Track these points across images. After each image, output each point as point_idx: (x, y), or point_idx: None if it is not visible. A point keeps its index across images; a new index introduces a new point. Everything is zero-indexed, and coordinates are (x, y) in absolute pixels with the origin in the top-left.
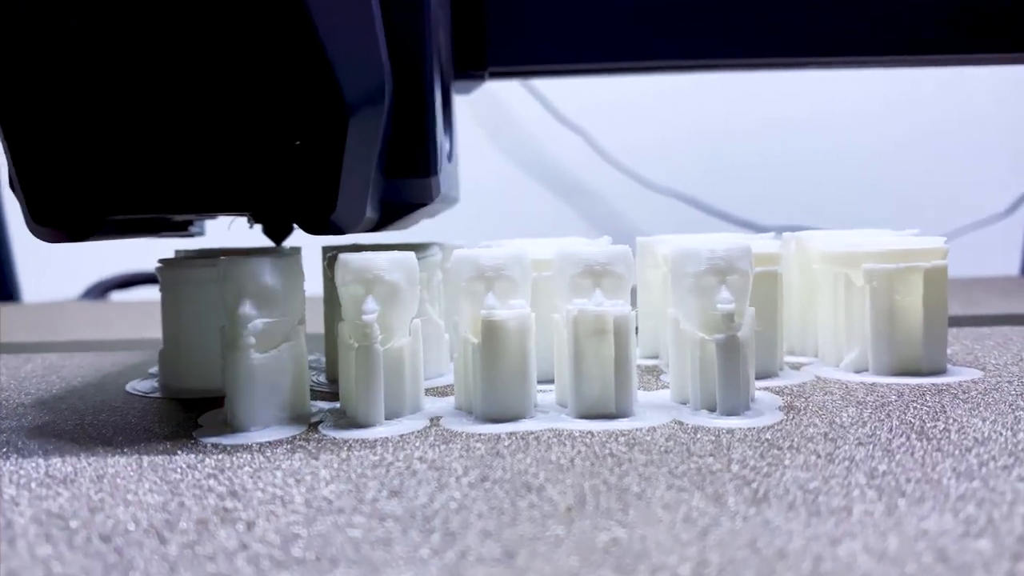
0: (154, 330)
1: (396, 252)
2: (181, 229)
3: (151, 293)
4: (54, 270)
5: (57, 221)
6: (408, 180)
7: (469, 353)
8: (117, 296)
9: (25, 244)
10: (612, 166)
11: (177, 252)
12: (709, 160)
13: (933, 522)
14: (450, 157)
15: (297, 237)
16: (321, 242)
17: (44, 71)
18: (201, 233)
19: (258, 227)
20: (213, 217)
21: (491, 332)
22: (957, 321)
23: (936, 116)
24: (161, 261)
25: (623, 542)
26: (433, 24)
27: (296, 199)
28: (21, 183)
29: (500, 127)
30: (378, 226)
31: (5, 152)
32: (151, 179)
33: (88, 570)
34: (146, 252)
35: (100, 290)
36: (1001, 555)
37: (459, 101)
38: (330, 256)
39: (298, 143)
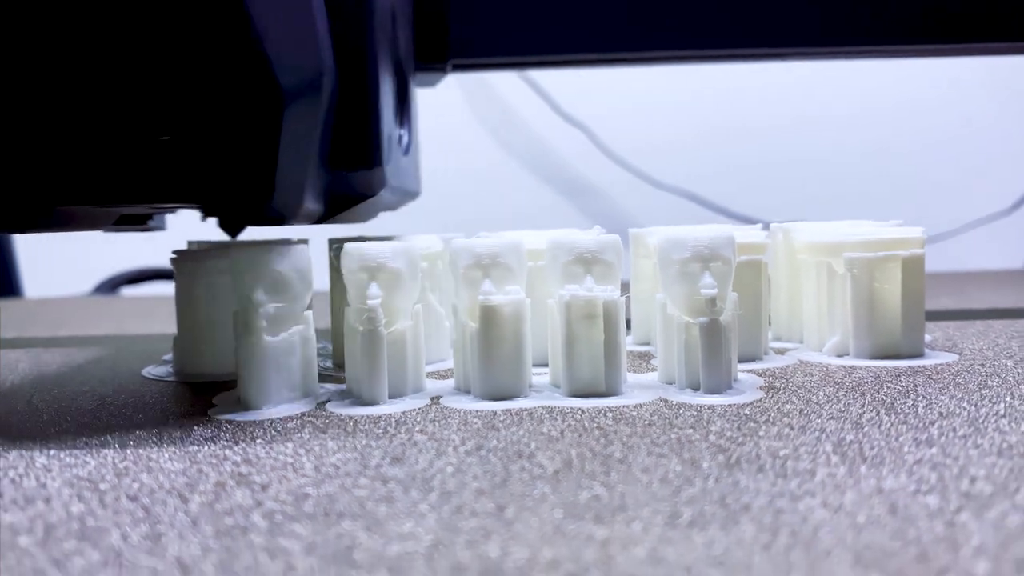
0: (165, 324)
1: (397, 241)
2: (139, 223)
3: (161, 288)
4: (56, 266)
5: None
6: (354, 171)
7: (467, 336)
8: (128, 291)
9: (26, 240)
10: (613, 162)
11: (190, 244)
12: (712, 156)
13: (889, 482)
14: (407, 150)
15: (302, 230)
16: (328, 234)
17: None
18: (161, 228)
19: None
20: (166, 211)
21: (488, 316)
22: (944, 315)
23: (941, 112)
24: (176, 252)
25: (603, 498)
26: (379, 15)
27: (232, 189)
28: None
29: (501, 122)
30: (323, 217)
31: None
32: (88, 170)
33: (119, 523)
34: (155, 248)
35: (111, 285)
36: (945, 508)
37: (458, 97)
38: (336, 247)
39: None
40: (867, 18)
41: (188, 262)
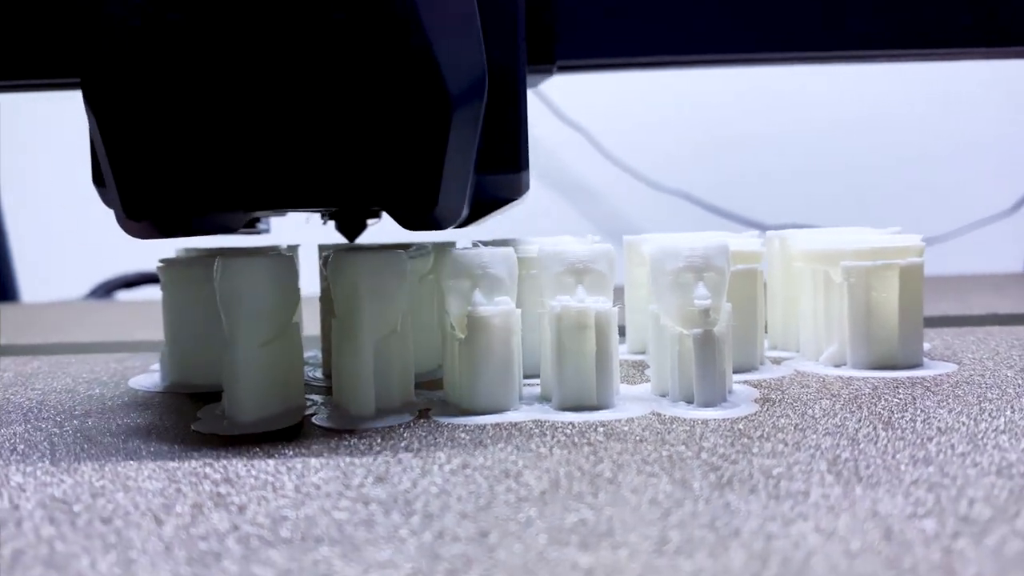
0: (158, 331)
1: (498, 248)
2: (250, 227)
3: (157, 293)
4: (53, 270)
5: (152, 216)
6: (499, 175)
7: (455, 348)
8: (123, 295)
9: (23, 244)
10: (614, 164)
11: (178, 251)
12: (711, 159)
13: (884, 504)
14: None
15: (302, 235)
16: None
17: (145, 66)
18: (267, 230)
19: (321, 223)
20: (284, 214)
21: (476, 328)
22: (944, 321)
23: (940, 114)
24: (163, 261)
25: (590, 522)
26: (522, 16)
27: (398, 194)
28: (116, 178)
29: None
30: (466, 222)
31: (99, 146)
32: (253, 175)
33: (89, 549)
34: (147, 252)
35: (105, 289)
36: (942, 534)
37: None
38: (326, 255)
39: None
40: (871, 23)
41: (174, 270)
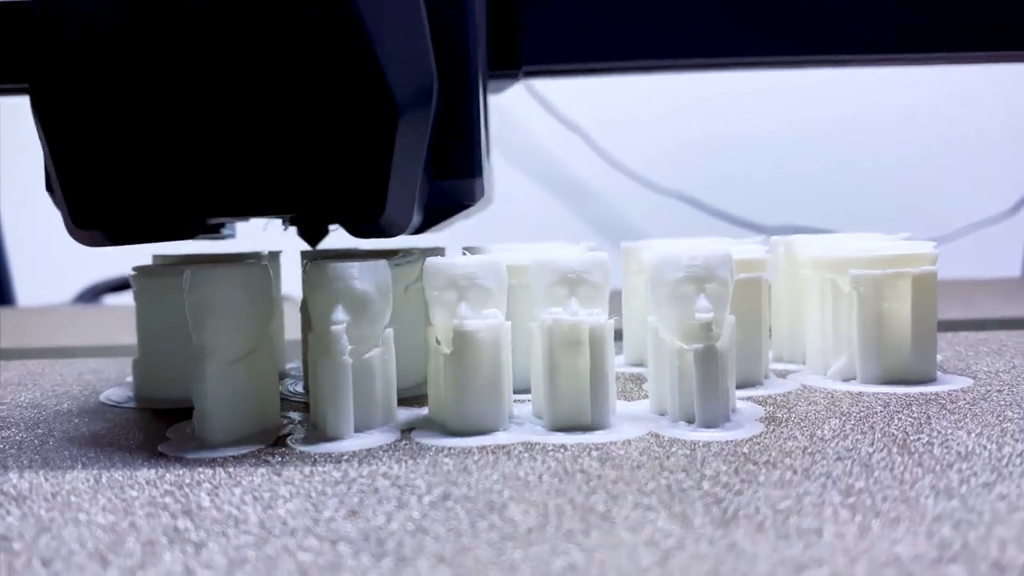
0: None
1: (485, 257)
2: (213, 231)
3: None
4: (49, 274)
5: (99, 225)
6: (452, 181)
7: (441, 364)
8: (110, 300)
9: (20, 248)
10: (612, 167)
11: (155, 258)
12: (712, 161)
13: (906, 546)
14: (488, 156)
15: (286, 241)
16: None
17: (90, 74)
18: (232, 235)
19: (291, 229)
20: (247, 219)
21: (462, 343)
22: (953, 325)
23: (939, 117)
24: (135, 269)
25: (579, 567)
26: (477, 23)
27: (345, 201)
28: (63, 186)
29: (499, 128)
30: (420, 229)
31: (46, 155)
32: (197, 182)
33: None
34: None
35: (93, 294)
36: None
37: None
38: (306, 262)
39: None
40: (877, 27)
41: (146, 279)
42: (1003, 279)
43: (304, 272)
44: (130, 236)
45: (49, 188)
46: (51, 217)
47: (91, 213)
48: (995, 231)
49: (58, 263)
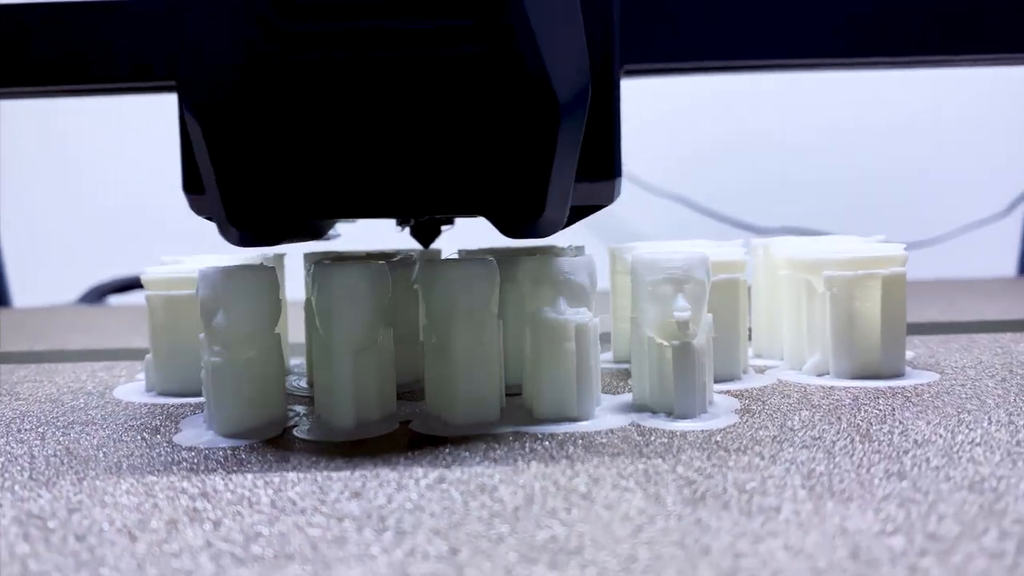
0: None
1: (693, 252)
2: (322, 234)
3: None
4: (44, 275)
5: (255, 224)
6: (593, 182)
7: (435, 356)
8: (115, 300)
9: (15, 249)
10: None
11: (163, 260)
12: (709, 163)
13: (854, 521)
14: None
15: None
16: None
17: (252, 80)
18: (337, 236)
19: (397, 230)
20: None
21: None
22: (932, 328)
23: (935, 119)
24: (148, 269)
25: (561, 539)
26: (617, 23)
27: (505, 202)
28: (220, 187)
29: None
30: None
31: (203, 157)
32: (357, 185)
33: (61, 567)
34: (138, 257)
35: (97, 294)
36: (909, 551)
37: None
38: (310, 264)
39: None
40: (873, 30)
41: (159, 279)
42: (997, 278)
43: (310, 275)
44: (281, 235)
45: (189, 189)
46: (49, 219)
47: (247, 213)
48: (990, 231)
49: (56, 265)
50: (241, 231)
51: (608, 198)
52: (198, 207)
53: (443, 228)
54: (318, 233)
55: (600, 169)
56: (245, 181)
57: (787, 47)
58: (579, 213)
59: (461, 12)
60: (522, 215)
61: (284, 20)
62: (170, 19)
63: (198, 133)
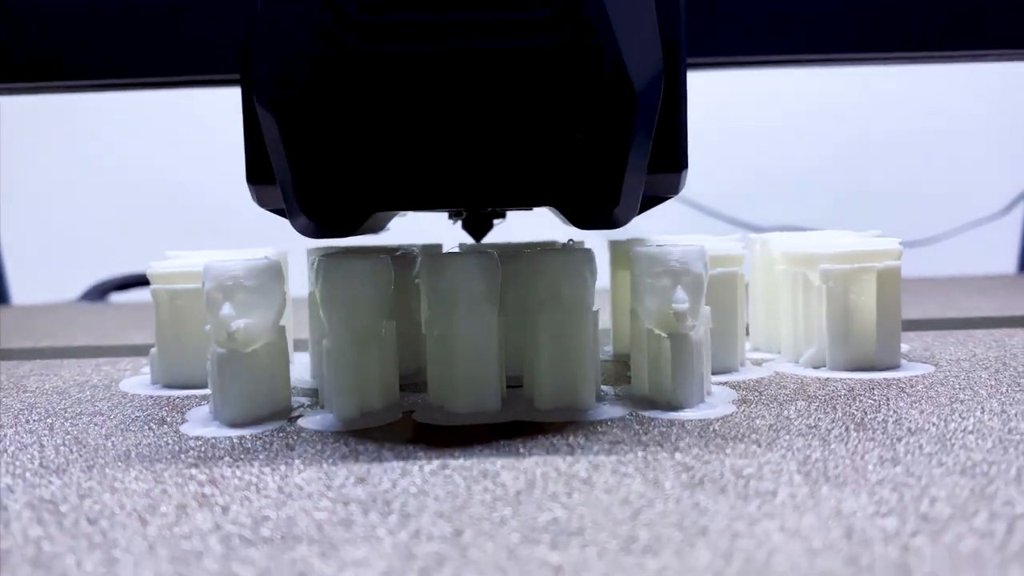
0: (151, 333)
1: (691, 245)
2: (383, 227)
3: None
4: (44, 273)
5: (325, 216)
6: (660, 174)
7: (437, 348)
8: (116, 297)
9: (13, 247)
10: None
11: (168, 255)
12: (708, 160)
13: (849, 503)
14: None
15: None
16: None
17: (328, 71)
18: (388, 229)
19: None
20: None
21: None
22: (929, 324)
23: (934, 115)
24: (153, 264)
25: (562, 521)
26: (683, 14)
27: (580, 193)
28: (295, 178)
29: None
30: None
31: (276, 149)
32: (431, 177)
33: (75, 549)
34: (141, 254)
35: (99, 292)
36: (901, 532)
37: None
38: (314, 259)
39: (580, 136)
40: (872, 27)
41: (165, 274)
42: (997, 275)
43: (314, 268)
44: (352, 227)
45: (253, 180)
46: (46, 217)
47: (322, 206)
48: (990, 230)
49: (50, 262)
50: (315, 222)
51: (673, 190)
52: (262, 198)
53: (495, 221)
54: (379, 226)
55: (668, 161)
56: (320, 173)
57: (790, 44)
58: (644, 205)
59: (538, 4)
60: (597, 206)
61: (362, 12)
62: (238, 12)
63: (273, 127)
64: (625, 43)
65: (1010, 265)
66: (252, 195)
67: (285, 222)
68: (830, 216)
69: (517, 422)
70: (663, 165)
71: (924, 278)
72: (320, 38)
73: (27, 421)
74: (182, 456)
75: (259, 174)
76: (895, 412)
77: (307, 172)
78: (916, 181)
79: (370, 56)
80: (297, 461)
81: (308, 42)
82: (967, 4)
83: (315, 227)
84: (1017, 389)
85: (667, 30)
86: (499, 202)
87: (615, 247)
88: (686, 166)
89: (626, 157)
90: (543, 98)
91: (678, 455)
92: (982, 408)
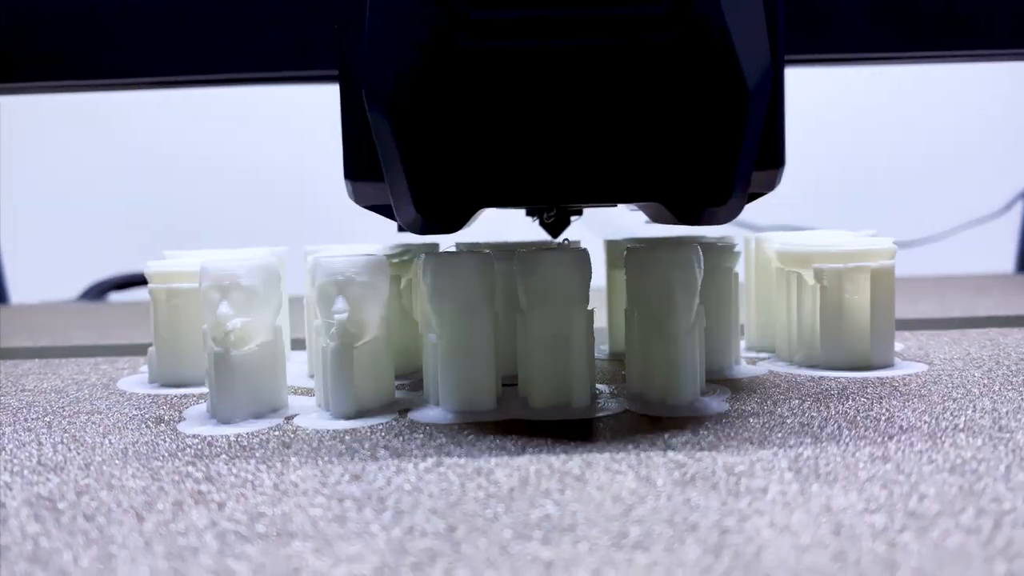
0: (149, 333)
1: (686, 244)
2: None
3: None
4: (43, 272)
5: (435, 212)
6: (760, 171)
7: (431, 349)
8: (115, 297)
9: (11, 247)
10: None
11: (166, 255)
12: None
13: (838, 500)
14: None
15: (295, 239)
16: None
17: (442, 70)
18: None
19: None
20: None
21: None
22: (924, 324)
23: (933, 115)
24: (152, 263)
25: (554, 517)
26: (783, 10)
27: (689, 189)
28: (408, 175)
29: None
30: None
31: (387, 146)
32: (536, 171)
33: (72, 545)
34: (140, 253)
35: (98, 291)
36: (890, 528)
37: None
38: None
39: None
40: (866, 27)
41: (162, 274)
42: (996, 275)
43: (311, 268)
44: (457, 223)
45: (352, 176)
46: (46, 217)
47: (432, 202)
48: (988, 229)
49: (49, 262)
50: (424, 218)
51: (770, 186)
52: (358, 194)
53: (572, 218)
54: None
55: (767, 157)
56: (432, 170)
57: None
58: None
59: (651, 0)
60: (707, 202)
61: (474, 8)
62: (339, 13)
63: (385, 126)
64: (738, 38)
65: (1008, 264)
66: (348, 191)
67: (285, 223)
68: (829, 215)
69: (512, 421)
70: (762, 162)
71: (922, 277)
72: (433, 36)
73: (25, 419)
74: (179, 454)
75: (357, 171)
76: (887, 410)
77: (420, 169)
78: (915, 180)
79: (483, 53)
80: (293, 459)
81: (421, 41)
82: (967, 4)
83: (423, 223)
84: (1009, 388)
85: (767, 24)
86: (607, 198)
87: (611, 246)
88: (784, 163)
89: (739, 152)
90: (656, 94)
91: (670, 452)
92: (974, 406)
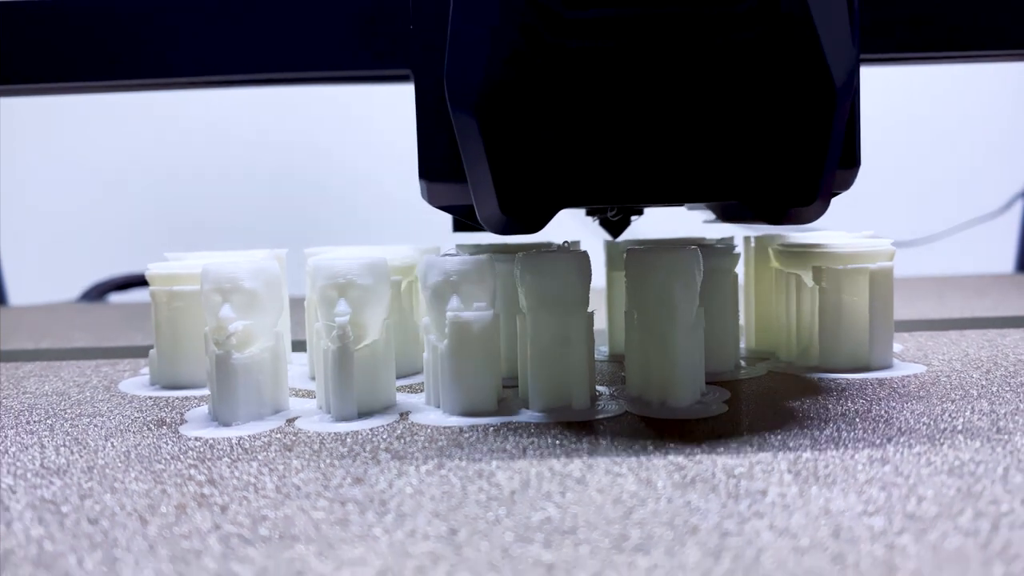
0: (150, 334)
1: (685, 247)
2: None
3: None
4: (41, 273)
5: (519, 212)
6: (840, 170)
7: (436, 353)
8: (115, 298)
9: (11, 248)
10: None
11: (167, 257)
12: None
13: (837, 503)
14: None
15: (295, 242)
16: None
17: (530, 71)
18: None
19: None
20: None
21: (457, 332)
22: (922, 324)
23: (932, 114)
24: (152, 265)
25: (555, 520)
26: (859, 9)
27: (776, 188)
28: (494, 174)
29: None
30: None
31: (472, 147)
32: (623, 171)
33: (76, 548)
34: (140, 255)
35: (98, 292)
36: (888, 530)
37: None
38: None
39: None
40: (882, 26)
41: (164, 276)
42: (996, 275)
43: (311, 270)
44: (539, 224)
45: (426, 176)
46: (46, 218)
47: (517, 203)
48: (988, 229)
49: (48, 263)
50: (509, 217)
51: (846, 185)
52: (433, 194)
53: (632, 218)
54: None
55: (845, 157)
56: (518, 170)
57: None
58: None
59: None
60: (794, 201)
61: (563, 8)
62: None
63: (471, 126)
64: (825, 35)
65: (1008, 264)
66: (423, 191)
67: (286, 225)
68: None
69: (513, 424)
70: (843, 161)
71: (921, 277)
72: (523, 36)
73: (27, 422)
74: (181, 456)
75: (432, 171)
76: (886, 412)
77: (506, 169)
78: (914, 180)
79: (570, 52)
80: (295, 462)
81: (511, 40)
82: (967, 4)
83: (506, 222)
84: (1007, 389)
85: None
86: (692, 198)
87: (611, 248)
88: (859, 163)
89: (826, 151)
90: (743, 93)
91: (670, 455)
92: (972, 408)
